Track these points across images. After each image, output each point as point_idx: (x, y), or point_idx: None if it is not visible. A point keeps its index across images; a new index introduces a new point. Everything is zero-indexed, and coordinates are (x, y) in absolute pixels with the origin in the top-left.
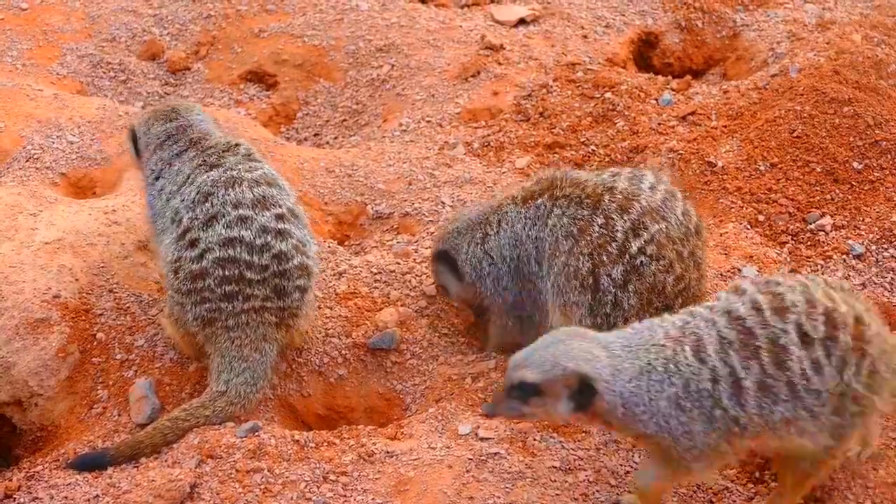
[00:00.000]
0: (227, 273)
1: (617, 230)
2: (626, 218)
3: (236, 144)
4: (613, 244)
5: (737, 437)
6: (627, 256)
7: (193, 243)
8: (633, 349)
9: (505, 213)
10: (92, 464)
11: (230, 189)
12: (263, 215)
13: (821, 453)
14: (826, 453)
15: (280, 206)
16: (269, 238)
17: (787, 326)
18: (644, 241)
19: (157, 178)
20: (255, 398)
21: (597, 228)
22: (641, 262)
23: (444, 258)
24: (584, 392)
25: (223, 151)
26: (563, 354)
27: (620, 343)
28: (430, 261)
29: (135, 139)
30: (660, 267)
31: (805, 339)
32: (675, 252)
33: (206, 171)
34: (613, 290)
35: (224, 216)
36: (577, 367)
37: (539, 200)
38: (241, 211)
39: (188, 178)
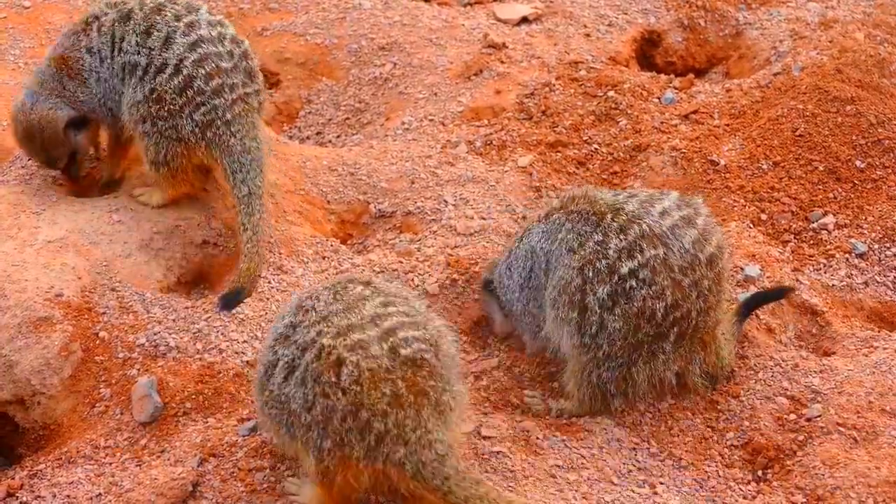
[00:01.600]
0: (208, 69)
1: (610, 248)
2: (622, 238)
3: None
4: (604, 261)
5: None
6: (616, 277)
7: (162, 67)
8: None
9: (529, 229)
10: (233, 301)
11: (163, 13)
12: (200, 13)
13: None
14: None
15: (205, 10)
16: (218, 29)
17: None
18: (637, 265)
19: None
20: (264, 184)
21: (592, 245)
22: (631, 285)
23: (487, 287)
24: None
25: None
26: None
27: None
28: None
29: None
30: (650, 293)
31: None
32: (670, 280)
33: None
34: (599, 312)
35: (175, 31)
36: None
37: (555, 215)
38: (184, 20)
39: (113, 35)
